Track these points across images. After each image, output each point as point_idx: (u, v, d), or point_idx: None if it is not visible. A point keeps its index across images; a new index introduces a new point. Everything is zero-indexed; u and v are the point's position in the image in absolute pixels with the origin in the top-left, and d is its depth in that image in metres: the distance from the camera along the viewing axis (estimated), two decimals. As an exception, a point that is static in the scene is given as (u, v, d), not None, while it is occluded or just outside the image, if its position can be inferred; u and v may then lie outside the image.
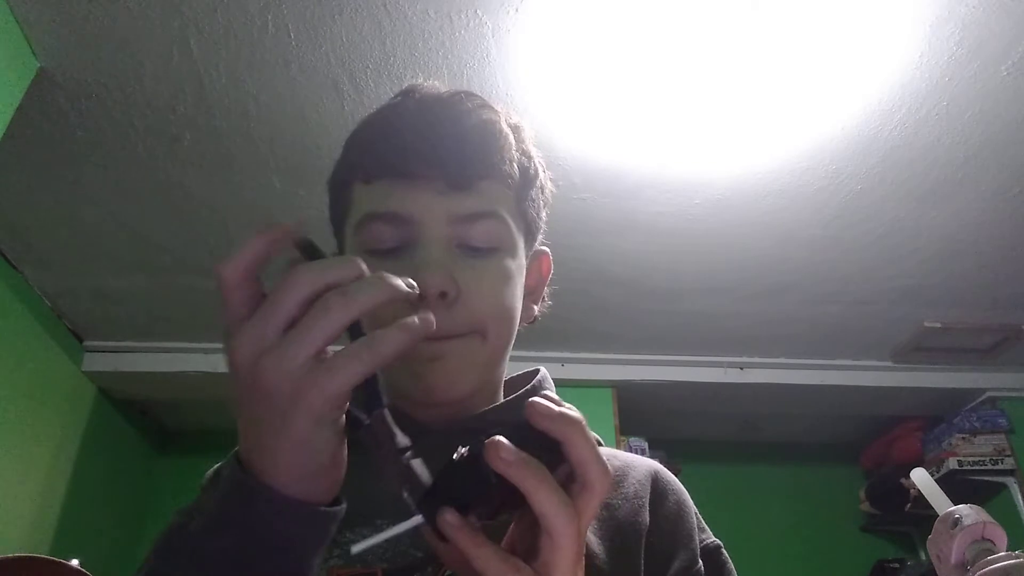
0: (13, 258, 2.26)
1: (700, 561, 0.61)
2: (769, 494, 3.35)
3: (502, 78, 1.70)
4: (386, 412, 0.40)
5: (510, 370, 0.70)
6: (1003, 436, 2.92)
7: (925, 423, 3.14)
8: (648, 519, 0.61)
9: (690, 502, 0.66)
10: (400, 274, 0.55)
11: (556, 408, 0.39)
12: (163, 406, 3.05)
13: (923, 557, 3.09)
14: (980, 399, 3.04)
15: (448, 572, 0.52)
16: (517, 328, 0.64)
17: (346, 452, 0.41)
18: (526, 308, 0.67)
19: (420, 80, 0.65)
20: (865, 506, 3.22)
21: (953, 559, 0.72)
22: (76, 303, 2.49)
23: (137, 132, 1.81)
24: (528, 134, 0.67)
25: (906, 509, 3.02)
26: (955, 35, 1.61)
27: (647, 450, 2.86)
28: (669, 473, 0.68)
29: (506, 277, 0.60)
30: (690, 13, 1.55)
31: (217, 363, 2.73)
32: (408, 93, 0.63)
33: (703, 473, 3.18)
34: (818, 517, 3.33)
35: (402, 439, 0.40)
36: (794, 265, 2.39)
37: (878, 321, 2.70)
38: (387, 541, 0.54)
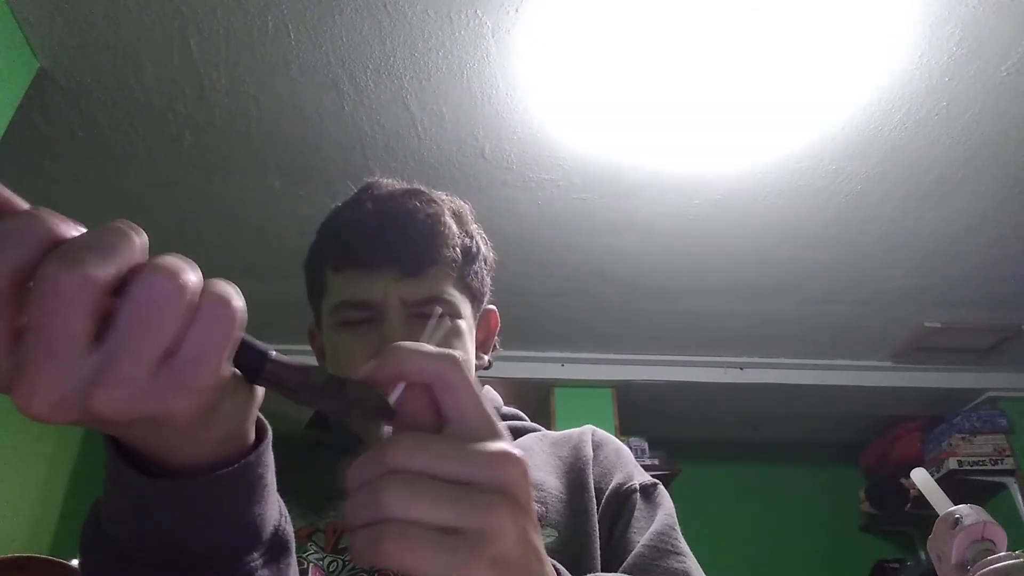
0: (13, 258, 2.26)
1: (635, 482, 0.69)
2: (769, 494, 3.35)
3: (502, 78, 1.70)
4: (272, 357, 0.33)
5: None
6: (1003, 436, 2.92)
7: (925, 423, 3.14)
8: (591, 453, 0.73)
9: (624, 449, 0.76)
10: (368, 340, 0.69)
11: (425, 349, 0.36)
12: (163, 406, 3.05)
13: (923, 557, 3.09)
14: (980, 399, 3.04)
15: None
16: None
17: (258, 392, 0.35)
18: (477, 358, 0.80)
19: (376, 177, 0.78)
20: (865, 506, 3.22)
21: (953, 559, 0.72)
22: (76, 303, 2.49)
23: (137, 132, 1.81)
24: (470, 215, 0.80)
25: (906, 509, 3.02)
26: (955, 35, 1.61)
27: (647, 450, 2.86)
28: (603, 431, 0.79)
29: (456, 336, 0.72)
30: (690, 13, 1.55)
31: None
32: (366, 191, 0.76)
33: (703, 473, 3.18)
34: (818, 517, 3.33)
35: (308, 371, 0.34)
36: (794, 265, 2.39)
37: (878, 321, 2.70)
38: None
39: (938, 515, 0.76)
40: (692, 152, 1.93)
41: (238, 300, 0.31)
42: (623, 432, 2.85)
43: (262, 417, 0.38)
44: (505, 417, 0.80)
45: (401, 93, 1.72)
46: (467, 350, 0.73)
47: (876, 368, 2.96)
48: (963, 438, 2.90)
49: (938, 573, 0.75)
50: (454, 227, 0.75)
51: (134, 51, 1.60)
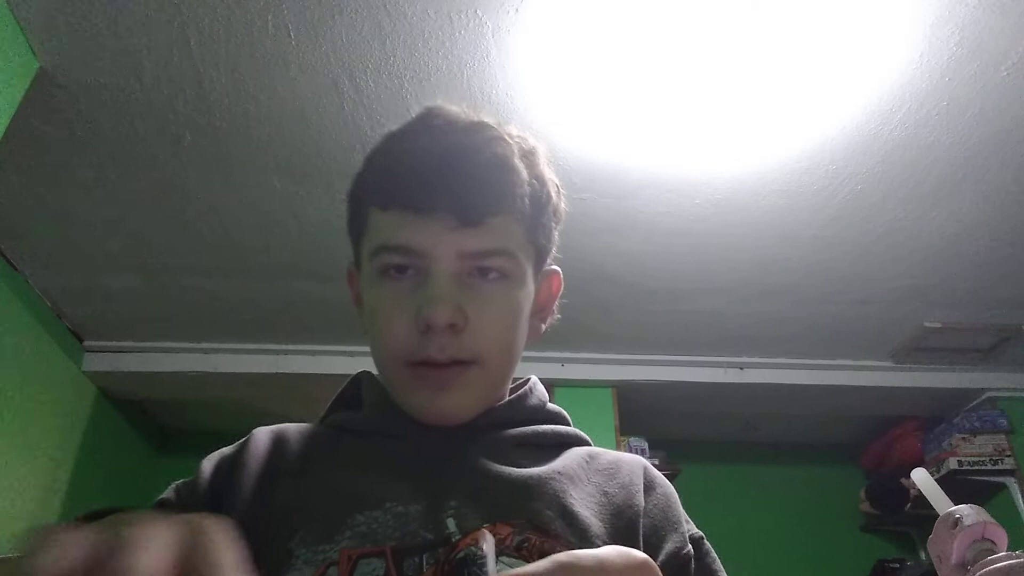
0: (13, 258, 2.26)
1: (689, 545, 0.63)
2: (769, 494, 3.35)
3: (502, 78, 1.70)
4: None
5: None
6: (1003, 436, 2.91)
7: (925, 423, 3.14)
8: (643, 503, 0.65)
9: (676, 495, 0.69)
10: (410, 297, 0.61)
11: None
12: (163, 406, 3.05)
13: (923, 557, 3.09)
14: (980, 399, 3.03)
15: (459, 554, 0.53)
16: (517, 352, 0.68)
17: None
18: (534, 327, 0.72)
19: (439, 102, 0.67)
20: (865, 506, 3.22)
21: (953, 559, 0.72)
22: (76, 303, 2.49)
23: (137, 132, 1.81)
24: (543, 157, 0.68)
25: (906, 509, 3.02)
26: (955, 35, 1.61)
27: (647, 450, 2.86)
28: (655, 469, 0.72)
29: (511, 308, 0.65)
30: (690, 13, 1.55)
31: (217, 363, 2.73)
32: (426, 119, 0.66)
33: (703, 473, 3.18)
34: (818, 517, 3.32)
35: None
36: (794, 265, 2.39)
37: (878, 321, 2.70)
38: (396, 520, 0.55)
39: (938, 515, 0.76)
40: (692, 152, 1.93)
41: None
42: (623, 432, 2.85)
43: None
44: (550, 415, 0.72)
45: (401, 93, 1.72)
46: (516, 326, 0.66)
47: (876, 368, 2.96)
48: (963, 438, 2.89)
49: (938, 573, 0.75)
50: (524, 171, 0.64)
51: (134, 51, 1.60)
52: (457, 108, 0.66)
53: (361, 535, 0.55)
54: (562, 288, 0.75)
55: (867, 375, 2.96)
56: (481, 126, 0.65)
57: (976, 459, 2.85)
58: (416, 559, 0.53)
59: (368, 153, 0.69)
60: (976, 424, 2.92)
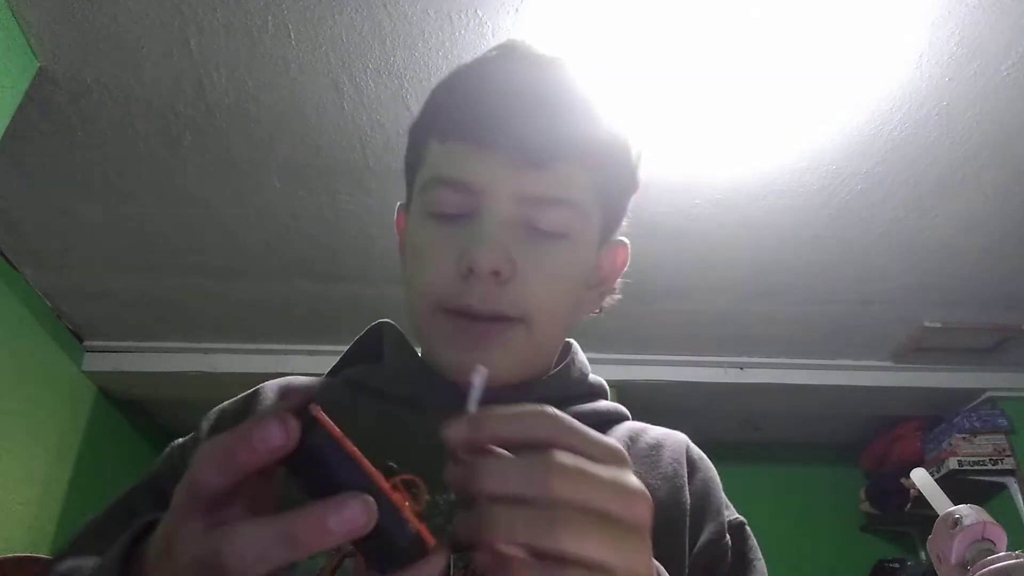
0: (13, 258, 2.26)
1: (728, 535, 0.59)
2: (769, 494, 3.34)
3: (502, 78, 1.69)
4: None
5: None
6: (1003, 436, 2.91)
7: (925, 423, 3.14)
8: (688, 498, 0.59)
9: (717, 478, 0.65)
10: (456, 238, 0.54)
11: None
12: (163, 406, 3.05)
13: (923, 557, 3.09)
14: (980, 399, 3.03)
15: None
16: (568, 321, 0.61)
17: None
18: (592, 300, 0.64)
19: (520, 38, 0.62)
20: (865, 506, 3.22)
21: (953, 559, 0.72)
22: (76, 303, 2.49)
23: (137, 132, 1.81)
24: (623, 116, 0.62)
25: (906, 509, 3.02)
26: (955, 35, 1.61)
27: (647, 450, 2.86)
28: (697, 448, 0.66)
29: (567, 269, 0.57)
30: (690, 13, 1.55)
31: (217, 363, 2.73)
32: (502, 50, 0.60)
33: (703, 473, 3.18)
34: (818, 517, 3.33)
35: None
36: (794, 265, 2.39)
37: (878, 321, 2.70)
38: (424, 509, 0.51)
39: (938, 515, 0.76)
40: (693, 152, 1.93)
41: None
42: (623, 432, 2.85)
43: None
44: (593, 390, 0.67)
45: (401, 93, 1.72)
46: (571, 291, 0.58)
47: (876, 368, 2.96)
48: (963, 438, 2.89)
49: (938, 573, 0.75)
50: (604, 120, 0.59)
51: (134, 51, 1.60)
52: (537, 46, 0.60)
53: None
54: (628, 263, 0.67)
55: (867, 375, 2.96)
56: (563, 63, 0.59)
57: (976, 459, 2.85)
58: None
59: (436, 85, 0.62)
60: (976, 424, 2.92)
